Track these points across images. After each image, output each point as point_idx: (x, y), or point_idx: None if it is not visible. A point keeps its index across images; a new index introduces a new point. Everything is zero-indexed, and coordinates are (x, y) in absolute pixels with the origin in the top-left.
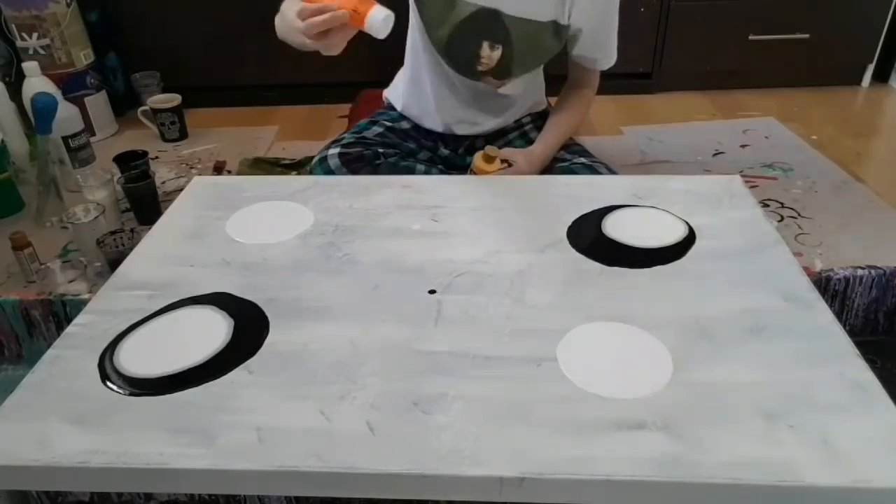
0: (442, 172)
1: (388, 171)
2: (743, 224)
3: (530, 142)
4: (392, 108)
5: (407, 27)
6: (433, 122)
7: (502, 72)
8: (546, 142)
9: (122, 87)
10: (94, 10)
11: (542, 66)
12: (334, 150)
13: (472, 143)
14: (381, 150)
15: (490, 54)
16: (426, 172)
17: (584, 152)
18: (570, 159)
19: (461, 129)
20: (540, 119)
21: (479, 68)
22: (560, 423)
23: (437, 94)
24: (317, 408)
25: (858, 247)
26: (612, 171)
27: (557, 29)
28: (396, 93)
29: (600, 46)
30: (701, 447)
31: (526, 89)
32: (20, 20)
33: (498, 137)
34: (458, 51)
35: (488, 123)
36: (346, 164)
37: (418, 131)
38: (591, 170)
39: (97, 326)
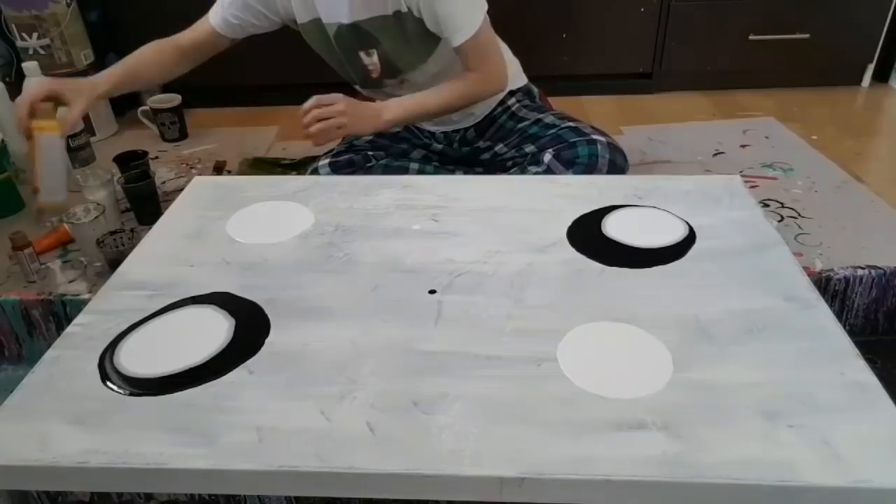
0: (437, 168)
1: (381, 172)
2: (743, 224)
3: (520, 120)
4: None
5: None
6: (422, 123)
7: (392, 72)
8: (402, 101)
9: None
10: (94, 10)
11: (442, 51)
12: (324, 161)
13: (464, 135)
14: (371, 153)
15: (371, 60)
16: (420, 171)
17: (572, 119)
18: (559, 125)
19: (448, 126)
20: (526, 97)
21: (373, 76)
22: (560, 423)
23: None
24: (317, 408)
25: (858, 247)
26: (599, 131)
27: (400, 17)
28: None
29: (444, 22)
30: (701, 447)
31: (443, 74)
32: (20, 20)
33: (489, 124)
34: (352, 68)
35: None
36: (336, 172)
37: (410, 132)
38: (577, 132)
39: (97, 326)
